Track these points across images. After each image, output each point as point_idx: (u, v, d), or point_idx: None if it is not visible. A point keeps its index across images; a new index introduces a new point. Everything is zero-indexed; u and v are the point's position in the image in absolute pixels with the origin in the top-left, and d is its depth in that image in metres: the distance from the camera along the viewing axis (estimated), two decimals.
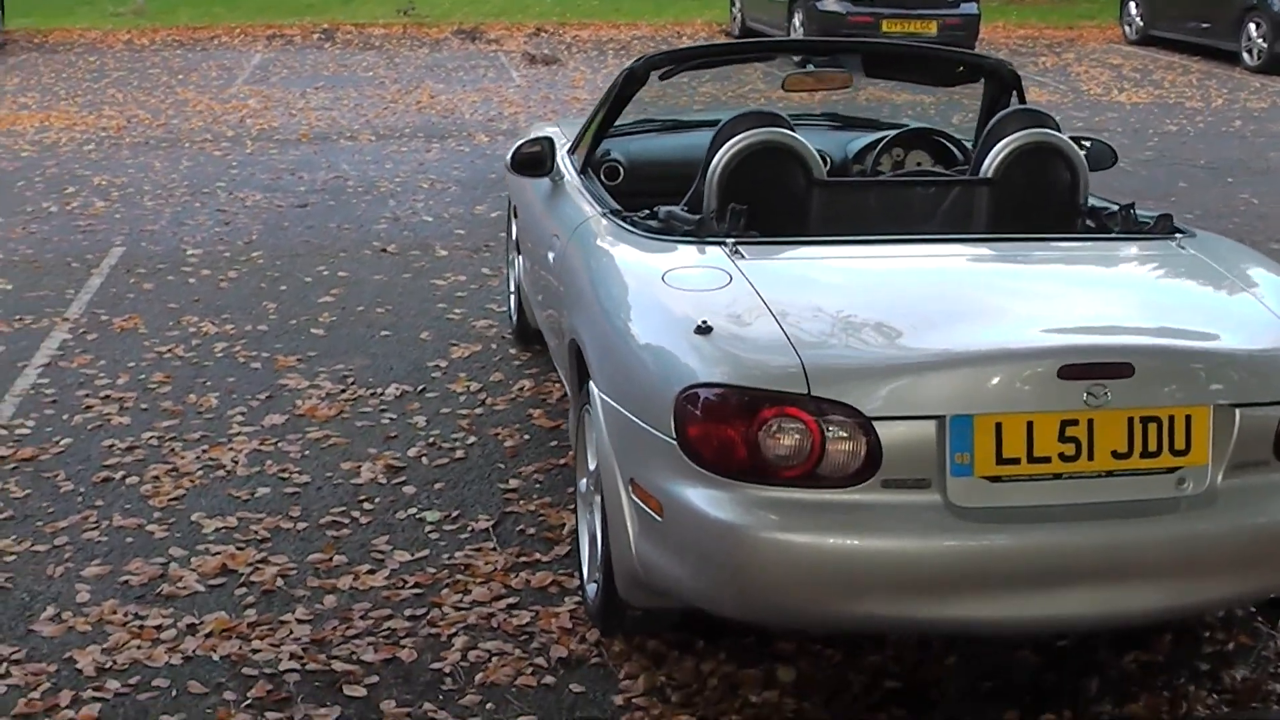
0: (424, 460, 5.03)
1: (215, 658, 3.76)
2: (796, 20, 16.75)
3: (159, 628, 3.90)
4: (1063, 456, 3.19)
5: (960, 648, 3.84)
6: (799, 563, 3.12)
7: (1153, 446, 3.24)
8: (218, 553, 4.32)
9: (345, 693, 3.60)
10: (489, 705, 3.56)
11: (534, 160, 4.90)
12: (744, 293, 3.46)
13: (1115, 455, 3.22)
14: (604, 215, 4.25)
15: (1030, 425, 3.16)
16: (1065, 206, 4.37)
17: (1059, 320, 3.48)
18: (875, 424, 3.10)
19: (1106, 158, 5.22)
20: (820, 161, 4.32)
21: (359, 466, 4.96)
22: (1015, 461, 3.17)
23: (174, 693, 3.60)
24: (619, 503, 3.47)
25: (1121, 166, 10.75)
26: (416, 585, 4.15)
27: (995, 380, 3.17)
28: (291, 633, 3.88)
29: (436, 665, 3.73)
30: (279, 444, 5.16)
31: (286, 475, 4.90)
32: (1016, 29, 20.88)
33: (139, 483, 4.83)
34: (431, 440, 5.21)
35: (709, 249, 3.77)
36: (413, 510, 4.64)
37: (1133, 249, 4.10)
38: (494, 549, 4.37)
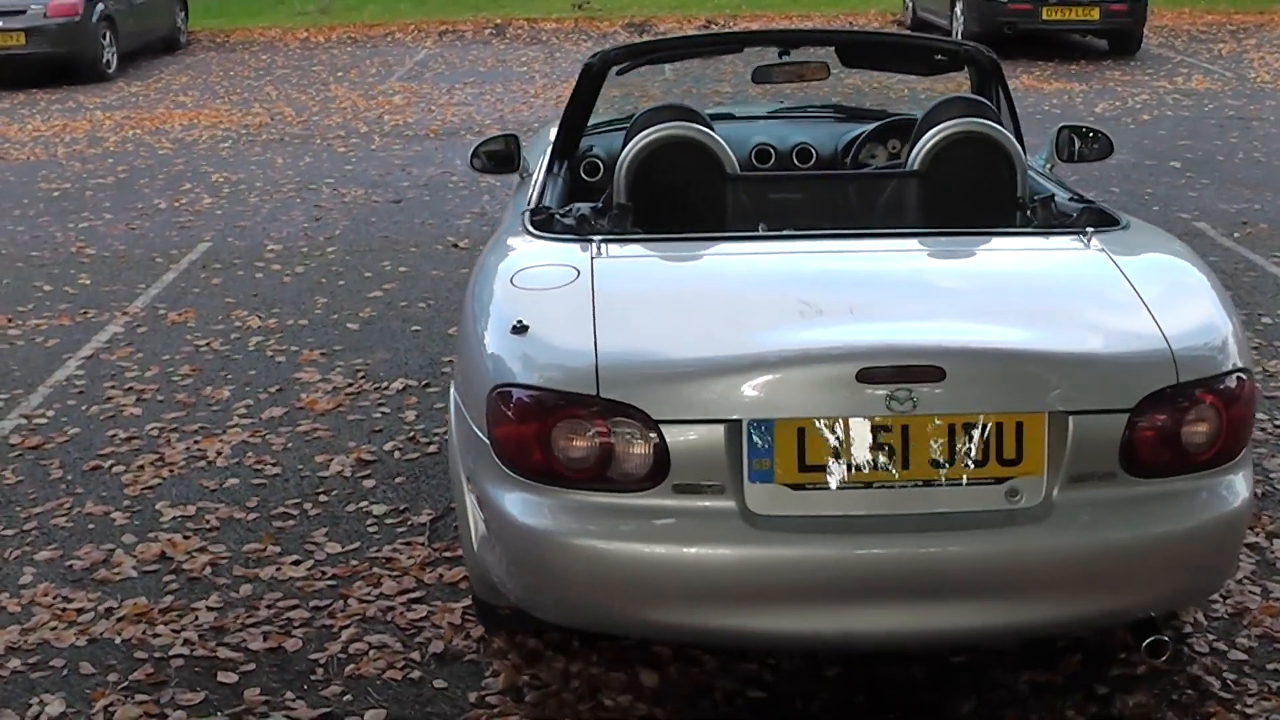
0: (396, 454, 5.16)
1: (117, 640, 3.94)
2: (958, 10, 16.40)
3: (80, 610, 4.11)
4: (874, 464, 3.09)
5: (846, 660, 3.78)
6: (592, 567, 3.12)
7: (977, 455, 3.10)
8: (164, 540, 4.52)
9: (218, 678, 3.74)
10: (347, 696, 3.65)
11: (491, 157, 4.96)
12: (581, 292, 3.42)
13: (934, 464, 3.10)
14: (521, 212, 4.29)
15: (837, 430, 3.06)
16: (999, 199, 4.21)
17: (882, 321, 3.32)
18: (663, 427, 3.05)
19: (1106, 148, 4.99)
20: (732, 156, 4.26)
21: (331, 459, 5.11)
22: (820, 469, 3.09)
23: (65, 672, 3.79)
24: (464, 501, 3.52)
25: (1255, 156, 10.33)
26: (333, 577, 4.27)
27: (794, 384, 3.08)
28: (196, 619, 4.04)
29: (316, 656, 3.84)
30: (267, 436, 5.35)
31: (260, 467, 5.08)
32: (1204, 14, 20.01)
33: (124, 472, 5.07)
34: (412, 435, 5.33)
35: (579, 246, 3.74)
36: (363, 503, 4.77)
37: (1028, 243, 3.90)
38: (423, 543, 4.46)
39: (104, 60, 15.35)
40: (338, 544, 4.48)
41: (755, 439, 3.07)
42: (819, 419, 3.07)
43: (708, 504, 3.08)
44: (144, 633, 3.97)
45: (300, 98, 13.96)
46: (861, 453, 3.08)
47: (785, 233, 3.97)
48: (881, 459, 3.09)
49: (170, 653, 3.87)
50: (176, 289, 7.35)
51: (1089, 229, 3.80)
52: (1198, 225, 8.30)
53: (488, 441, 3.26)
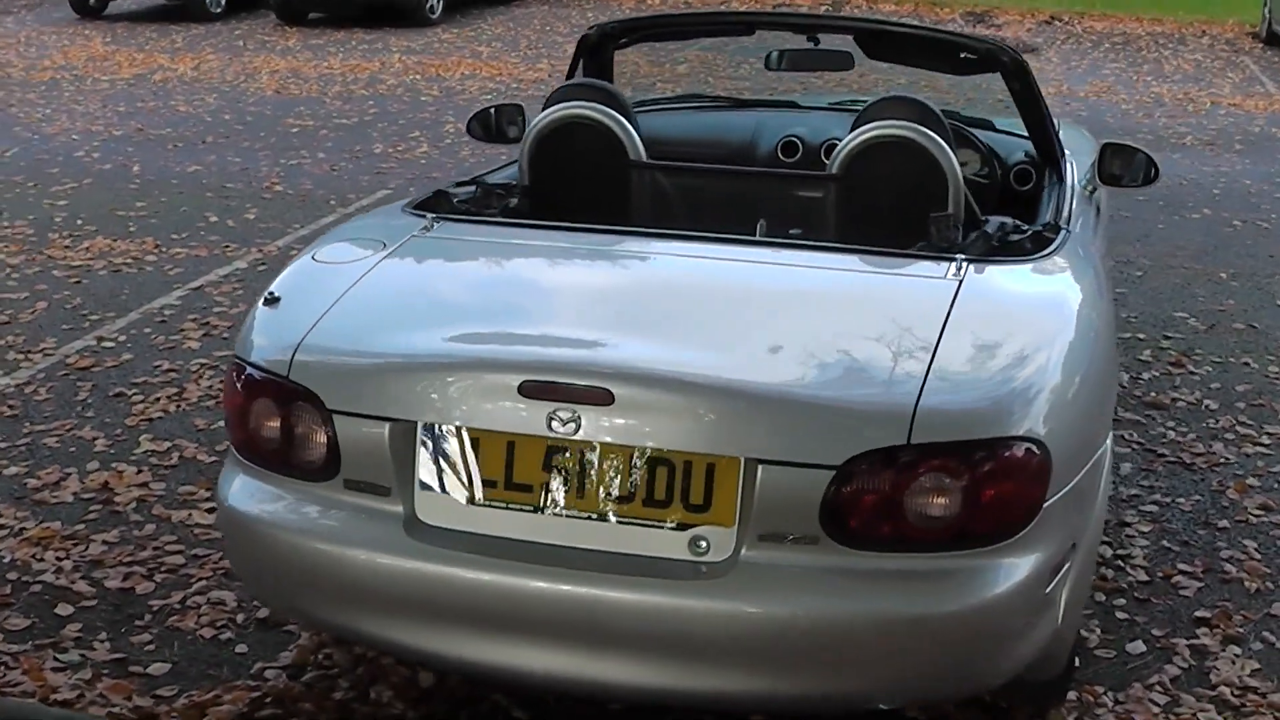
0: None
1: (5, 560, 4.23)
2: None
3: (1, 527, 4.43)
4: (546, 488, 2.91)
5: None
6: (270, 554, 3.11)
7: (660, 495, 2.87)
8: (119, 471, 4.79)
9: (55, 610, 3.95)
10: (149, 646, 3.79)
11: (483, 124, 4.96)
12: (354, 271, 3.37)
13: (609, 498, 2.89)
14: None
15: (511, 446, 2.91)
16: (919, 212, 3.83)
17: (557, 334, 3.13)
18: (336, 418, 3.00)
19: (1150, 173, 4.56)
20: (638, 143, 4.12)
21: None
22: (494, 485, 2.94)
23: None
24: None
25: None
26: None
27: (465, 391, 2.94)
28: (85, 550, 4.28)
29: (155, 602, 4.01)
30: None
31: None
32: None
33: (139, 401, 5.39)
34: None
35: (415, 223, 3.67)
36: None
37: (880, 264, 3.53)
38: None
39: (428, 6, 16.08)
40: None
41: (427, 444, 2.97)
42: (491, 431, 2.93)
43: (374, 505, 3.00)
44: (32, 556, 4.24)
45: None
46: (533, 474, 2.92)
47: (631, 229, 3.81)
48: (555, 483, 2.91)
49: (36, 579, 4.11)
50: (322, 232, 7.68)
51: (962, 257, 3.41)
52: None
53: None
